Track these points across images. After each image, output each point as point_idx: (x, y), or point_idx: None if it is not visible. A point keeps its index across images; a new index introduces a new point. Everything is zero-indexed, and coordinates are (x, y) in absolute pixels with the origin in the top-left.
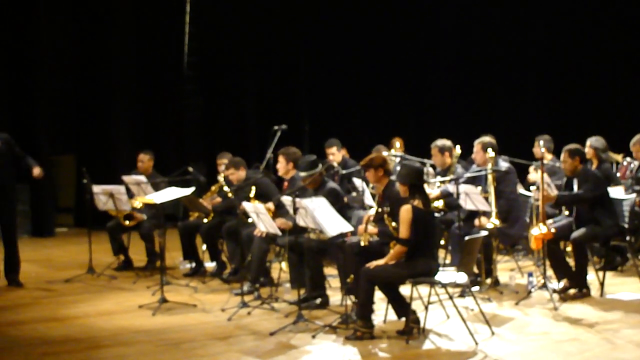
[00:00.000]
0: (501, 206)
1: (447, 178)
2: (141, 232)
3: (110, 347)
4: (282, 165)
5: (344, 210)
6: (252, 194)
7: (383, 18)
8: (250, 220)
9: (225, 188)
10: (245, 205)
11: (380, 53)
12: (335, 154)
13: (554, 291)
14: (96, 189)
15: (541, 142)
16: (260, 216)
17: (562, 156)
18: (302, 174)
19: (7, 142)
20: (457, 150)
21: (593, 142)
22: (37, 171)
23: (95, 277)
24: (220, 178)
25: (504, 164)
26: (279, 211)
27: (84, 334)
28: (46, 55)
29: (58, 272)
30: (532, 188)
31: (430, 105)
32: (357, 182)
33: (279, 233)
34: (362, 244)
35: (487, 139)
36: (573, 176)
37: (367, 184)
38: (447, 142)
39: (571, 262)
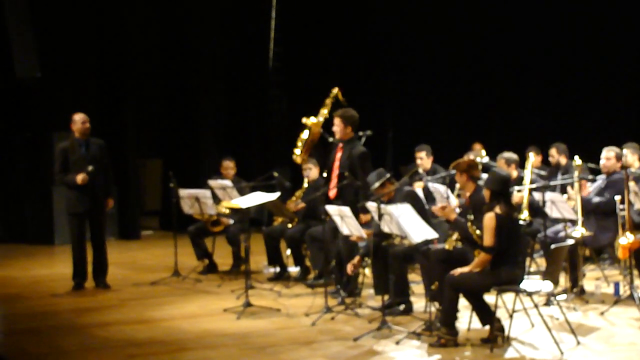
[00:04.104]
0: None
1: (534, 185)
2: (228, 236)
3: (195, 350)
4: (339, 129)
5: (424, 213)
6: None
7: (468, 24)
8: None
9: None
10: (329, 208)
11: (466, 59)
12: (424, 159)
13: None
14: (182, 192)
15: (624, 151)
16: (344, 219)
17: None
18: (376, 184)
19: (101, 148)
20: (531, 157)
21: None
22: (110, 203)
23: (181, 280)
24: (305, 183)
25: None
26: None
27: (169, 337)
28: (135, 61)
29: (144, 274)
30: (617, 197)
31: (515, 112)
32: (442, 188)
33: (364, 235)
34: (447, 247)
35: (616, 149)
36: None
37: (452, 191)
38: (513, 155)
39: None
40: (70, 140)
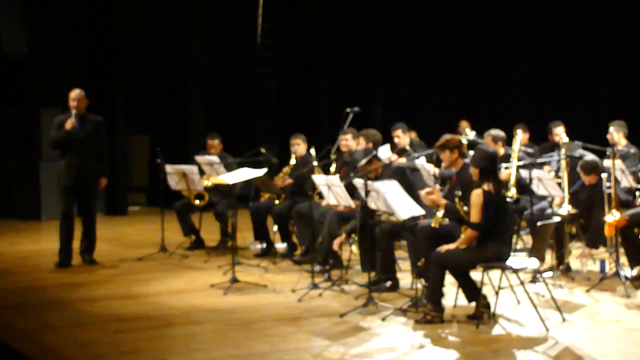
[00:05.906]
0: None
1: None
2: (215, 212)
3: (181, 326)
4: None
5: (412, 189)
6: None
7: (457, 2)
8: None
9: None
10: (316, 177)
11: (453, 36)
12: (401, 137)
13: (627, 278)
14: (169, 168)
15: (611, 129)
16: (332, 189)
17: None
18: (362, 161)
19: (98, 126)
20: (519, 135)
21: None
22: (103, 182)
23: (168, 256)
24: (293, 160)
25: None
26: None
27: (156, 312)
28: (124, 37)
29: (131, 250)
30: (604, 175)
31: (502, 89)
32: (429, 165)
33: (353, 205)
34: (433, 225)
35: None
36: None
37: (439, 166)
38: (500, 132)
39: None
40: (68, 114)
